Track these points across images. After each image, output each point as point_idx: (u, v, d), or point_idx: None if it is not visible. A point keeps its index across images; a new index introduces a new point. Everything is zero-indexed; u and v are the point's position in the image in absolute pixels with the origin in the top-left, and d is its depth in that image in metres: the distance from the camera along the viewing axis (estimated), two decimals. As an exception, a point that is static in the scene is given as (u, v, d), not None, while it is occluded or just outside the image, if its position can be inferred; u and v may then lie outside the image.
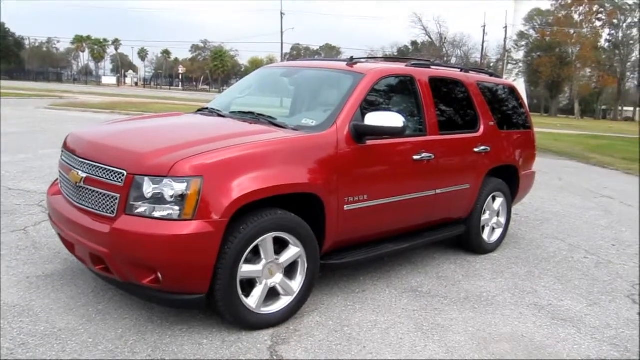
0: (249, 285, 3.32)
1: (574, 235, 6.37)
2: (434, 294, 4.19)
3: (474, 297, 4.17)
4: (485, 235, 5.27)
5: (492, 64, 70.29)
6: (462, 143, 4.72)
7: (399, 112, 3.86)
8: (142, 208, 2.97)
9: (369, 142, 3.79)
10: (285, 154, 3.35)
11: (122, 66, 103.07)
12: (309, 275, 3.50)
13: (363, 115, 3.72)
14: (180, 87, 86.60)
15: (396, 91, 4.36)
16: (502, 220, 5.48)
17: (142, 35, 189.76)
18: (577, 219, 7.30)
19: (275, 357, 3.04)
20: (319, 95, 4.39)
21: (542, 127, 34.11)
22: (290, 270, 3.48)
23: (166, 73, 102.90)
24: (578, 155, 16.67)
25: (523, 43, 70.70)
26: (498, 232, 5.46)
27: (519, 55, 70.89)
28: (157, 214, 2.94)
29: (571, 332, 3.68)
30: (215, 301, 3.13)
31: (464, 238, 5.15)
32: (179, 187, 2.91)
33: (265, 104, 4.55)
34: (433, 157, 4.30)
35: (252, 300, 3.28)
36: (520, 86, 75.64)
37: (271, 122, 3.82)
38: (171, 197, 2.92)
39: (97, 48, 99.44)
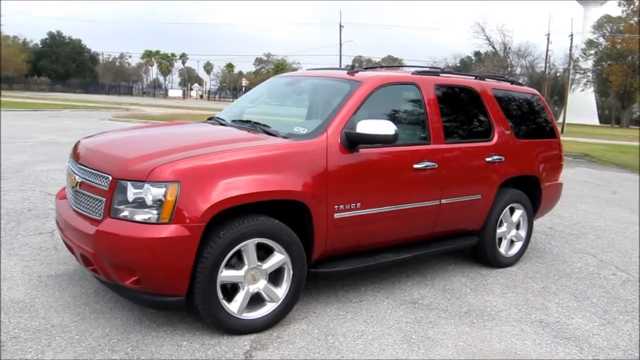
0: (233, 290, 3.37)
1: (608, 251, 6.02)
2: (434, 306, 4.08)
3: (475, 312, 4.03)
4: (502, 249, 5.08)
5: (558, 74, 67.57)
6: (471, 152, 4.58)
7: (393, 120, 3.83)
8: (125, 212, 3.09)
9: (364, 150, 3.76)
10: (269, 161, 3.39)
11: (188, 79, 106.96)
12: (295, 282, 3.50)
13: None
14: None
15: (398, 99, 4.31)
16: (522, 233, 5.26)
17: (208, 50, 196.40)
18: (617, 235, 6.89)
19: (248, 362, 3.06)
20: (318, 104, 4.41)
21: (609, 138, 32.53)
22: (276, 277, 3.50)
23: (230, 86, 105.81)
24: (643, 168, 15.71)
25: (592, 51, 67.60)
26: (518, 246, 5.25)
27: (588, 64, 67.87)
28: (137, 218, 3.05)
29: (571, 352, 3.48)
30: (195, 304, 3.20)
31: (478, 250, 4.99)
32: (157, 192, 3.01)
33: (270, 113, 4.62)
34: (436, 165, 4.20)
35: (235, 305, 3.32)
36: (589, 97, 72.53)
37: (265, 130, 3.88)
38: (151, 201, 3.02)
39: (165, 62, 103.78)
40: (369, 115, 3.85)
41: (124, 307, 3.67)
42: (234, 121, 4.34)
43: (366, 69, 5.00)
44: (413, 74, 4.48)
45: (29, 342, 3.11)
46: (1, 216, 5.71)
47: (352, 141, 3.68)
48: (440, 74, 4.73)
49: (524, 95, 5.44)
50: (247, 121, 4.21)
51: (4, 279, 4.02)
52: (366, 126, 3.61)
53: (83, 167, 3.45)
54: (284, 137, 3.68)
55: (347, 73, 4.28)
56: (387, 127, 3.61)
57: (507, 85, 5.33)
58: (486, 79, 5.13)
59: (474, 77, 5.04)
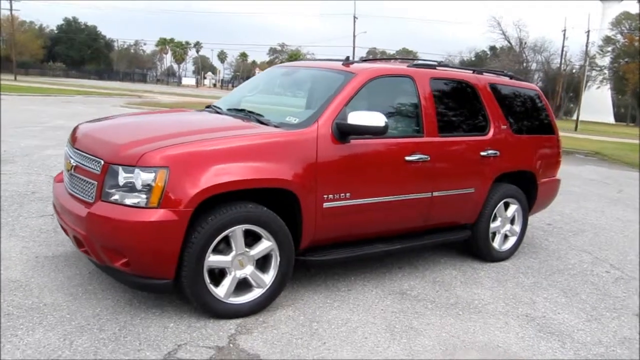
0: (221, 275, 3.44)
1: (605, 249, 6.02)
2: (421, 297, 4.12)
3: (462, 304, 4.07)
4: (495, 243, 5.10)
5: (574, 71, 66.68)
6: (465, 146, 4.60)
7: (386, 112, 3.86)
8: (116, 195, 3.16)
9: (355, 141, 3.80)
10: (259, 149, 3.44)
11: (202, 68, 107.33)
12: (282, 269, 3.57)
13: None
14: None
15: (392, 91, 4.33)
16: (517, 228, 5.28)
17: (222, 39, 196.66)
18: (617, 233, 6.88)
19: (232, 345, 3.13)
20: (312, 94, 4.45)
21: (623, 137, 32.19)
22: (264, 264, 3.56)
23: (243, 75, 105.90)
24: (654, 167, 15.58)
25: (609, 48, 66.66)
26: (512, 240, 5.27)
27: (604, 61, 66.96)
28: (127, 202, 3.12)
29: (554, 346, 3.51)
30: (183, 287, 3.27)
31: (471, 244, 5.02)
32: (147, 177, 3.08)
33: (266, 102, 4.68)
34: (429, 158, 4.23)
35: (222, 290, 3.39)
36: (605, 94, 71.63)
37: (257, 119, 3.93)
38: (140, 185, 3.10)
39: (179, 50, 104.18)
40: (362, 107, 3.89)
41: (116, 289, 3.76)
42: (229, 110, 4.41)
43: (364, 60, 5.03)
44: (409, 66, 4.50)
45: (20, 319, 3.21)
46: (5, 198, 5.83)
47: (343, 132, 3.72)
48: (437, 67, 4.74)
49: (522, 90, 5.43)
50: (242, 110, 4.28)
51: (3, 258, 4.13)
52: (357, 117, 3.65)
53: (78, 151, 3.54)
54: (276, 127, 3.74)
55: (342, 64, 4.31)
56: (377, 119, 3.64)
57: (505, 80, 5.32)
58: (484, 73, 5.13)
59: (471, 71, 5.05)
